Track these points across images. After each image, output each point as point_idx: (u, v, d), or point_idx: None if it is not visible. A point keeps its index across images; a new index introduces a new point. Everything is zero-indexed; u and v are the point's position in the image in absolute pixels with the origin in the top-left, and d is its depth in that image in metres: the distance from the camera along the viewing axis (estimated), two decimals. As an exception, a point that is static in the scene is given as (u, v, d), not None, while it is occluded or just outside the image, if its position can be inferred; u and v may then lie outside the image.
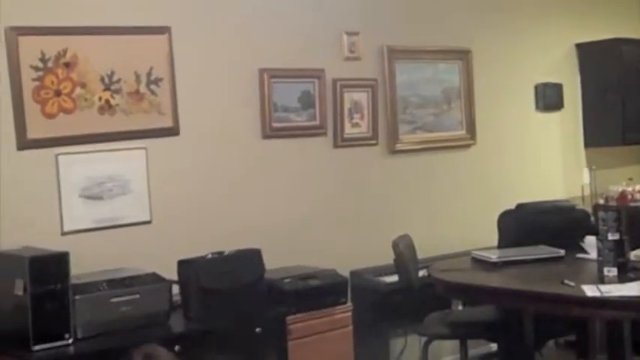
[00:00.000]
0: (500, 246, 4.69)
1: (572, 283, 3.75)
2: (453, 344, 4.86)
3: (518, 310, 4.28)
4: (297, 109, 4.75)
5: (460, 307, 4.83)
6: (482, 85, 5.61)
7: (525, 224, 4.66)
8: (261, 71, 4.59)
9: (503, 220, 4.78)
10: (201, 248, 4.00)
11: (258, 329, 3.88)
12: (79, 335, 3.50)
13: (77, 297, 3.50)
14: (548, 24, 6.02)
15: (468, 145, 5.57)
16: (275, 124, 4.65)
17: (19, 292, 3.39)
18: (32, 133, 3.86)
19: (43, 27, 3.89)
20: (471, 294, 4.23)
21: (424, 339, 4.41)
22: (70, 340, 3.46)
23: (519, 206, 4.82)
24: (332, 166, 4.90)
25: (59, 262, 3.47)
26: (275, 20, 4.68)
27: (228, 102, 4.50)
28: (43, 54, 3.89)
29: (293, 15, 4.75)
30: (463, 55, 5.53)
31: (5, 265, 3.55)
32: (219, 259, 3.95)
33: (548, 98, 5.98)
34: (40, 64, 3.89)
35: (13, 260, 3.48)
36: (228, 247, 4.04)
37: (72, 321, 3.47)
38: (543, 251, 4.41)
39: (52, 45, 3.91)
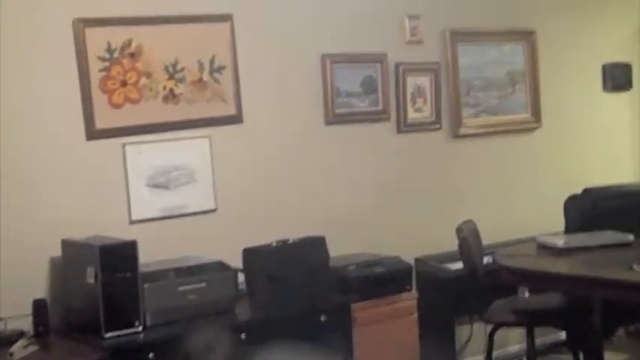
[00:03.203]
0: (566, 231, 4.62)
1: (641, 269, 3.68)
2: (519, 332, 4.82)
3: (587, 297, 4.22)
4: (360, 94, 4.73)
5: (526, 294, 4.78)
6: (548, 67, 5.50)
7: (593, 209, 4.57)
8: (324, 57, 4.58)
9: (569, 204, 4.70)
10: (265, 236, 4.02)
11: (323, 317, 3.89)
12: (148, 323, 3.56)
13: (146, 285, 3.56)
14: (615, 1, 5.86)
15: (533, 129, 5.47)
16: (338, 110, 4.64)
17: (91, 279, 3.46)
18: (100, 124, 3.92)
19: (109, 18, 3.93)
20: (538, 281, 4.18)
21: (490, 326, 4.37)
22: (140, 328, 3.53)
23: (586, 191, 4.72)
24: (395, 152, 4.87)
25: (128, 250, 3.53)
26: (336, 5, 4.65)
27: (290, 88, 4.51)
28: (109, 45, 3.94)
29: (354, -1, 4.73)
30: (527, 36, 5.43)
31: (77, 254, 3.62)
32: (284, 247, 3.96)
33: (617, 78, 5.84)
34: (107, 55, 3.94)
35: (84, 249, 3.55)
36: (293, 235, 4.05)
37: (141, 308, 3.53)
38: (611, 237, 4.31)
39: (117, 35, 3.96)
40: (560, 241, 4.33)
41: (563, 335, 5.11)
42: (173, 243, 4.02)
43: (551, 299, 4.42)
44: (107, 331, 3.44)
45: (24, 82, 3.75)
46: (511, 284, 4.54)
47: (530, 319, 4.38)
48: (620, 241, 4.27)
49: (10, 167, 3.70)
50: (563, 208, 4.69)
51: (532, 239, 4.57)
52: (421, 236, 4.85)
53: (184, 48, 4.14)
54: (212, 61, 4.23)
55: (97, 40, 3.90)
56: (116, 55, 3.96)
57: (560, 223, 4.67)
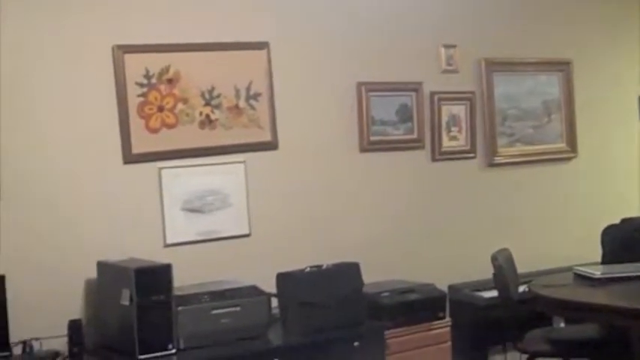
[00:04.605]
0: (603, 262, 4.57)
1: (680, 301, 3.62)
2: (554, 362, 4.75)
3: (625, 328, 4.15)
4: (395, 122, 4.74)
5: (562, 324, 4.72)
6: (584, 97, 5.47)
7: (630, 239, 4.52)
8: (359, 85, 4.61)
9: (606, 234, 4.65)
10: (299, 261, 4.04)
11: (356, 343, 3.87)
12: (182, 346, 3.57)
13: (180, 308, 3.58)
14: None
15: (569, 158, 5.44)
16: (373, 138, 4.65)
17: (126, 302, 3.48)
18: (137, 148, 3.98)
19: (147, 45, 4.01)
20: (574, 311, 4.12)
21: (525, 356, 4.31)
22: (174, 351, 3.53)
23: (624, 221, 4.68)
24: (430, 180, 4.87)
25: (163, 273, 3.56)
26: (372, 34, 4.69)
27: (326, 116, 4.53)
28: (147, 71, 4.01)
29: (390, 28, 4.75)
30: (563, 66, 5.42)
31: (112, 276, 3.66)
32: (318, 272, 3.96)
33: (654, 109, 5.79)
34: (145, 81, 4.01)
35: (120, 271, 3.58)
36: (327, 261, 4.06)
37: (175, 331, 3.54)
38: (650, 268, 4.27)
39: (155, 62, 4.03)
40: (597, 272, 4.28)
41: (600, 367, 5.03)
42: (207, 267, 4.04)
43: (588, 330, 4.35)
44: (141, 353, 3.46)
45: (64, 107, 3.82)
46: (547, 314, 4.48)
47: (567, 350, 4.30)
48: (659, 271, 4.22)
49: (48, 190, 3.77)
50: (601, 237, 4.63)
51: (568, 269, 4.53)
52: (455, 264, 4.82)
53: (221, 75, 4.20)
54: (248, 88, 4.28)
55: (136, 66, 3.97)
56: (154, 80, 4.03)
57: (596, 254, 4.61)
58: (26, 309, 3.60)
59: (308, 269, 3.97)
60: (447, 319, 4.35)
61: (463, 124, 4.99)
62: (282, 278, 3.92)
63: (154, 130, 4.03)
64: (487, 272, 4.34)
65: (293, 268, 3.96)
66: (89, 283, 3.78)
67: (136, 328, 3.45)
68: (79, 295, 3.79)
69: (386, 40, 4.74)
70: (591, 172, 5.50)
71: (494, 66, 5.11)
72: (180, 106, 4.10)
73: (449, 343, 4.28)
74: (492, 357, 4.77)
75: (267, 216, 4.29)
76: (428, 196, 4.86)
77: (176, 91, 4.09)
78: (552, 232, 5.26)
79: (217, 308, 3.66)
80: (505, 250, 4.43)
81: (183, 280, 3.76)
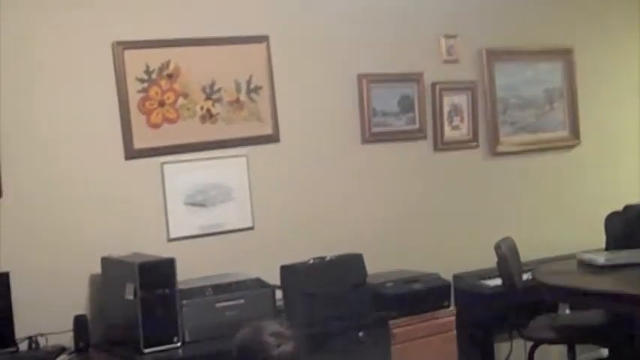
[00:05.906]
0: (607, 248, 4.57)
1: (685, 287, 3.62)
2: (560, 349, 4.75)
3: (629, 314, 4.15)
4: (397, 113, 4.74)
5: (567, 311, 4.72)
6: (586, 84, 5.46)
7: (633, 226, 4.52)
8: (360, 76, 4.61)
9: (610, 221, 4.64)
10: (303, 253, 4.04)
11: (361, 333, 3.88)
12: (187, 339, 3.59)
13: (184, 302, 3.59)
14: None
15: (572, 146, 5.43)
16: (374, 129, 4.66)
17: (130, 296, 3.50)
18: (138, 143, 3.99)
19: (147, 40, 4.01)
20: (579, 298, 4.14)
21: (530, 343, 4.32)
22: (179, 344, 3.55)
23: (627, 208, 4.67)
24: (432, 170, 4.87)
25: (167, 267, 3.57)
26: (372, 25, 4.68)
27: (327, 108, 4.54)
28: (147, 66, 4.02)
29: (390, 19, 4.75)
30: (565, 54, 5.40)
31: (116, 271, 3.67)
32: (322, 264, 3.97)
33: (656, 95, 5.78)
34: (145, 76, 4.02)
35: (124, 266, 3.60)
36: (330, 252, 4.06)
37: (180, 325, 3.56)
38: (653, 254, 4.26)
39: (155, 57, 4.04)
40: (601, 258, 4.29)
41: (605, 352, 5.03)
42: (211, 260, 4.05)
43: (593, 316, 4.36)
44: (146, 347, 3.48)
45: (64, 103, 3.84)
46: (552, 301, 4.49)
47: (572, 336, 4.32)
48: (662, 257, 4.22)
49: (51, 186, 3.79)
50: (604, 224, 4.63)
51: (572, 256, 4.53)
52: (459, 253, 4.82)
53: (221, 69, 4.20)
54: (249, 82, 4.28)
55: (136, 61, 3.98)
56: (154, 76, 4.03)
57: (600, 241, 4.61)
58: (31, 305, 3.62)
59: (312, 261, 3.97)
60: (452, 308, 4.36)
61: (465, 114, 4.99)
62: (286, 270, 3.93)
63: (156, 126, 4.04)
64: (491, 261, 4.35)
65: (296, 260, 3.96)
66: (93, 279, 3.80)
67: (141, 322, 3.46)
68: (84, 290, 3.81)
69: (386, 31, 4.73)
70: (594, 159, 5.49)
71: (496, 55, 5.11)
72: (181, 100, 4.11)
73: (454, 332, 4.29)
74: (498, 345, 4.77)
75: (270, 209, 4.30)
76: (431, 186, 4.86)
77: (177, 86, 4.10)
78: (555, 220, 5.26)
79: (222, 301, 3.68)
80: (508, 238, 4.44)
81: (187, 274, 3.77)
